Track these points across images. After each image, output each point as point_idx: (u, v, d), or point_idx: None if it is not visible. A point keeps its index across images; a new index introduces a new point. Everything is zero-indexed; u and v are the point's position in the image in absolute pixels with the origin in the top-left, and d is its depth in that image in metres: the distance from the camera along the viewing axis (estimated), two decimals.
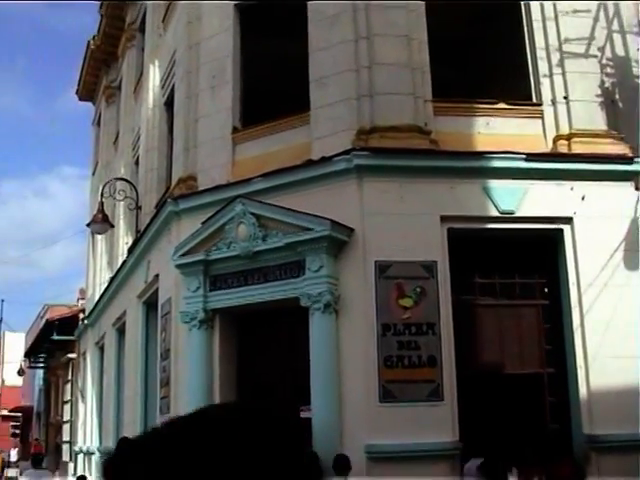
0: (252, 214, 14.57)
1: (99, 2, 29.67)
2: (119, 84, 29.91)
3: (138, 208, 21.66)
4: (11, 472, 40.41)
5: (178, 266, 15.82)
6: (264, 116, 15.98)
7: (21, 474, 32.54)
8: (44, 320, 41.57)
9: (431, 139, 14.34)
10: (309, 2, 15.52)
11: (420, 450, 12.63)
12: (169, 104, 19.98)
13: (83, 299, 38.15)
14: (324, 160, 14.26)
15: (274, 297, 14.52)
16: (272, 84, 17.53)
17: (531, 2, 15.68)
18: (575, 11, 15.34)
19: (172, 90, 19.29)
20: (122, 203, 23.54)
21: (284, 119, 15.66)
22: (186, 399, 15.68)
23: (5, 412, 77.39)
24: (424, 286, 13.62)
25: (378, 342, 13.37)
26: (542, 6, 15.55)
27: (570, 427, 14.11)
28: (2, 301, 79.86)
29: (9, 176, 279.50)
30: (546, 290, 15.06)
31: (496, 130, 14.93)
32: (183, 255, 15.64)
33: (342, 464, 12.27)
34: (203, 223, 15.39)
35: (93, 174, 35.08)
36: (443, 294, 13.71)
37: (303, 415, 14.35)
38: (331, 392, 13.59)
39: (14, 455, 46.54)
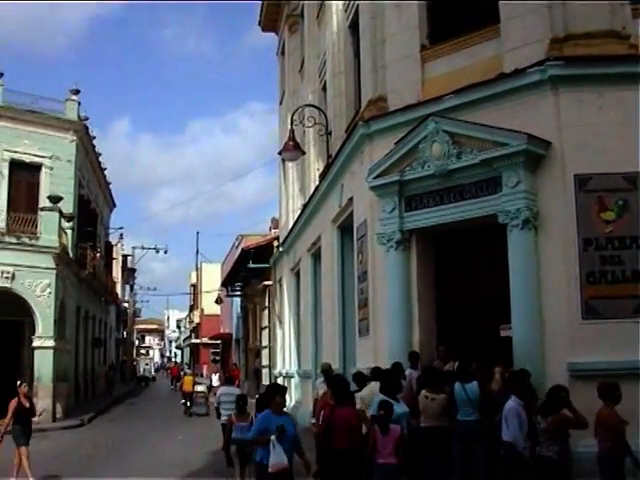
0: (445, 132, 14.41)
1: None
2: (301, 11, 29.90)
3: (328, 133, 21.82)
4: (200, 387, 43.20)
5: (372, 188, 15.92)
6: (452, 32, 15.65)
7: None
8: (239, 249, 42.65)
9: (630, 44, 13.60)
10: None
11: (625, 368, 12.27)
12: (354, 27, 19.84)
13: (276, 228, 38.93)
14: (517, 73, 13.84)
15: (470, 215, 14.37)
16: None
17: None
18: None
19: (356, 12, 19.16)
20: (311, 129, 23.76)
21: (473, 33, 15.25)
22: (385, 320, 15.92)
23: (205, 340, 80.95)
24: (627, 198, 13.13)
25: (580, 258, 13.06)
26: None
27: None
28: (197, 233, 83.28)
29: (199, 115, 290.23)
30: None
31: None
32: (377, 177, 15.70)
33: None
34: (396, 143, 15.36)
35: (280, 103, 35.46)
36: None
37: (503, 334, 14.21)
38: (532, 310, 13.41)
39: (215, 380, 48.56)
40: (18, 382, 17.39)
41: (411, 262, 15.63)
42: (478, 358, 13.47)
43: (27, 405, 16.88)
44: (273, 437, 10.19)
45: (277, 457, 10.17)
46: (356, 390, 13.99)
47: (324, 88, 24.10)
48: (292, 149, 21.36)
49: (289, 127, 21.81)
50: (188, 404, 37.81)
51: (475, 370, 13.07)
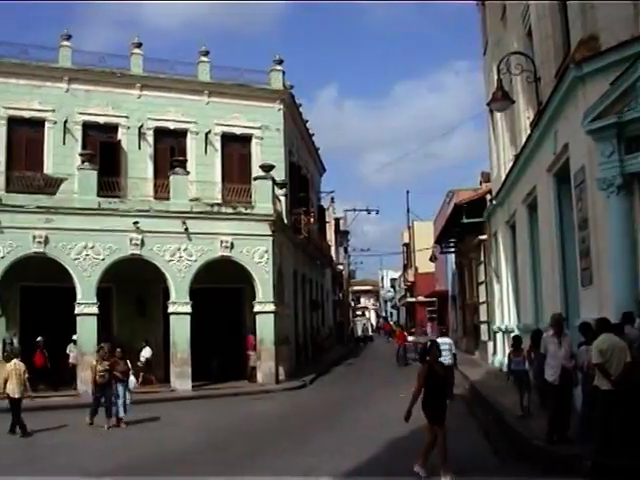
0: None
1: None
2: None
3: (537, 80, 21.16)
4: (410, 338, 49.29)
5: (589, 132, 15.27)
6: None
7: None
8: (451, 205, 42.45)
9: None
10: None
11: None
12: None
13: (487, 182, 38.43)
14: None
15: None
16: None
17: None
18: None
19: None
20: (519, 77, 23.13)
21: None
22: (609, 269, 15.31)
23: (421, 298, 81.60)
24: None
25: None
26: None
27: None
28: (407, 192, 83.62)
29: (402, 78, 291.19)
30: None
31: None
32: (593, 120, 15.04)
33: None
34: (611, 84, 14.64)
35: (484, 54, 34.81)
36: None
37: None
38: None
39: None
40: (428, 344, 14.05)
41: (634, 207, 14.90)
42: None
43: (441, 373, 13.46)
44: None
45: None
46: (584, 342, 13.74)
47: (529, 33, 23.36)
48: (501, 99, 20.97)
49: (495, 77, 21.37)
50: (401, 352, 44.30)
51: None
